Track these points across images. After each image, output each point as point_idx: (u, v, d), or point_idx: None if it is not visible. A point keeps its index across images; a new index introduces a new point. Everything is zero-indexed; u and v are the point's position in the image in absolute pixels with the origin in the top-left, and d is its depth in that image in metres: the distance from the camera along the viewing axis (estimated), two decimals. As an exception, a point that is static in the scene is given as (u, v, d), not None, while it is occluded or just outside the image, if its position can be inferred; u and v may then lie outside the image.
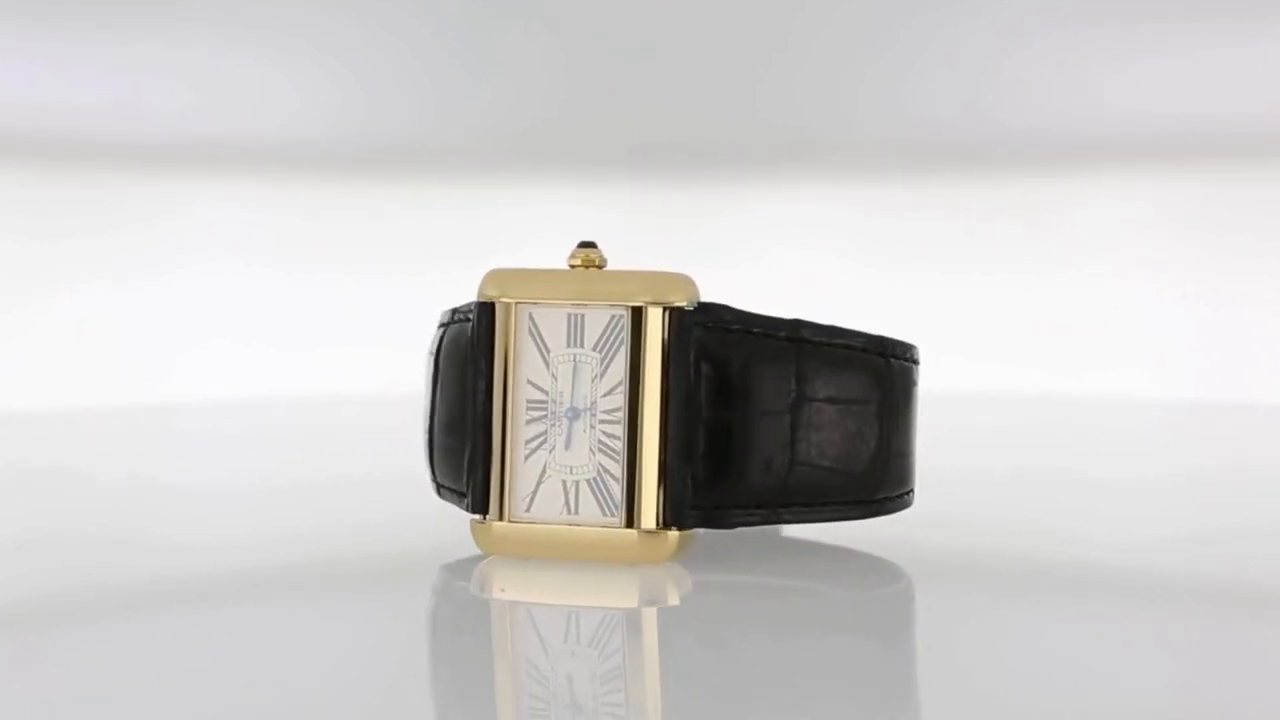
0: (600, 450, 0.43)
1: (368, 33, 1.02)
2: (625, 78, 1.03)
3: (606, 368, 0.43)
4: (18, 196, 0.98)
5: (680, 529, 0.43)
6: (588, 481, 0.43)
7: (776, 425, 0.44)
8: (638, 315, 0.43)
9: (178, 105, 1.00)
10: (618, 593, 0.43)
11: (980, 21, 1.01)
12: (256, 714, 0.35)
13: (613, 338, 0.44)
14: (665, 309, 0.43)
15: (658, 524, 0.43)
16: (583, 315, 0.44)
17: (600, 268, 0.44)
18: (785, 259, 1.03)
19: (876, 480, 0.45)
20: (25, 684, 0.36)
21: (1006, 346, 0.99)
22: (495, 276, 0.45)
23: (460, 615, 0.43)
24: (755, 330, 0.44)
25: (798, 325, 0.44)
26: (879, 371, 0.45)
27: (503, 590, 0.44)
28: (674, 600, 0.43)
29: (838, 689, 0.37)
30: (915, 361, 0.46)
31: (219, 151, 1.01)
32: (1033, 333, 1.00)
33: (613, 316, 0.43)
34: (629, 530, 0.43)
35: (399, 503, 0.56)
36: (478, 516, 0.45)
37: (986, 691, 0.37)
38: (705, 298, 0.44)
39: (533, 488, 0.44)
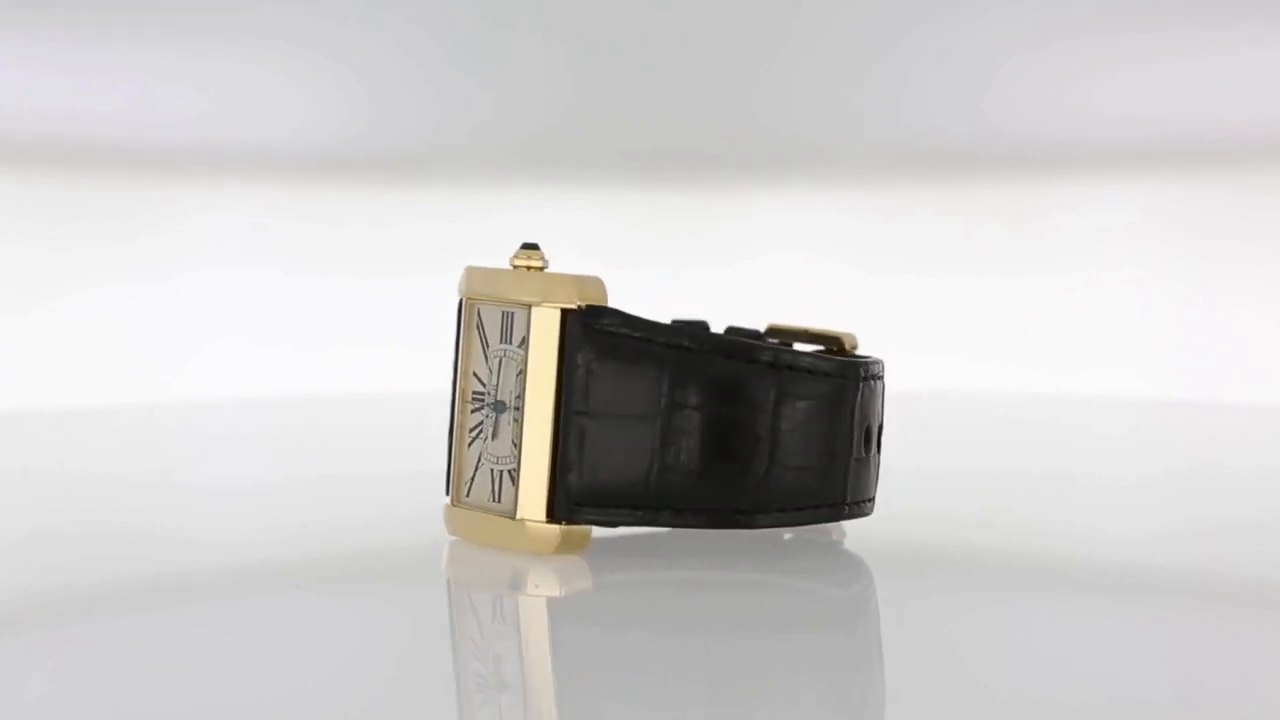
0: (516, 443, 0.45)
1: (375, 41, 1.02)
2: (627, 85, 1.04)
3: (526, 364, 0.45)
4: (33, 200, 0.99)
5: (566, 523, 0.45)
6: (508, 471, 0.46)
7: (648, 429, 0.45)
8: (539, 315, 0.45)
9: (189, 111, 1.01)
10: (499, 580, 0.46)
11: (975, 31, 1.01)
12: (263, 704, 0.36)
13: (528, 336, 0.46)
14: (560, 310, 0.45)
15: (545, 517, 0.45)
16: (512, 314, 0.46)
17: (542, 268, 0.46)
18: (784, 262, 1.03)
19: (754, 491, 0.46)
20: (40, 677, 0.38)
21: (1002, 348, 1.00)
22: (465, 273, 0.48)
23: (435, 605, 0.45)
24: (637, 335, 0.45)
25: (679, 332, 0.46)
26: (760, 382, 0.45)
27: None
28: (557, 591, 0.45)
29: (753, 680, 0.38)
30: (825, 374, 0.46)
31: (230, 156, 1.02)
32: (1028, 334, 1.01)
33: (529, 316, 0.45)
34: (523, 521, 0.45)
35: (404, 501, 0.57)
36: (447, 499, 0.48)
37: (950, 682, 0.38)
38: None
39: (471, 474, 0.47)
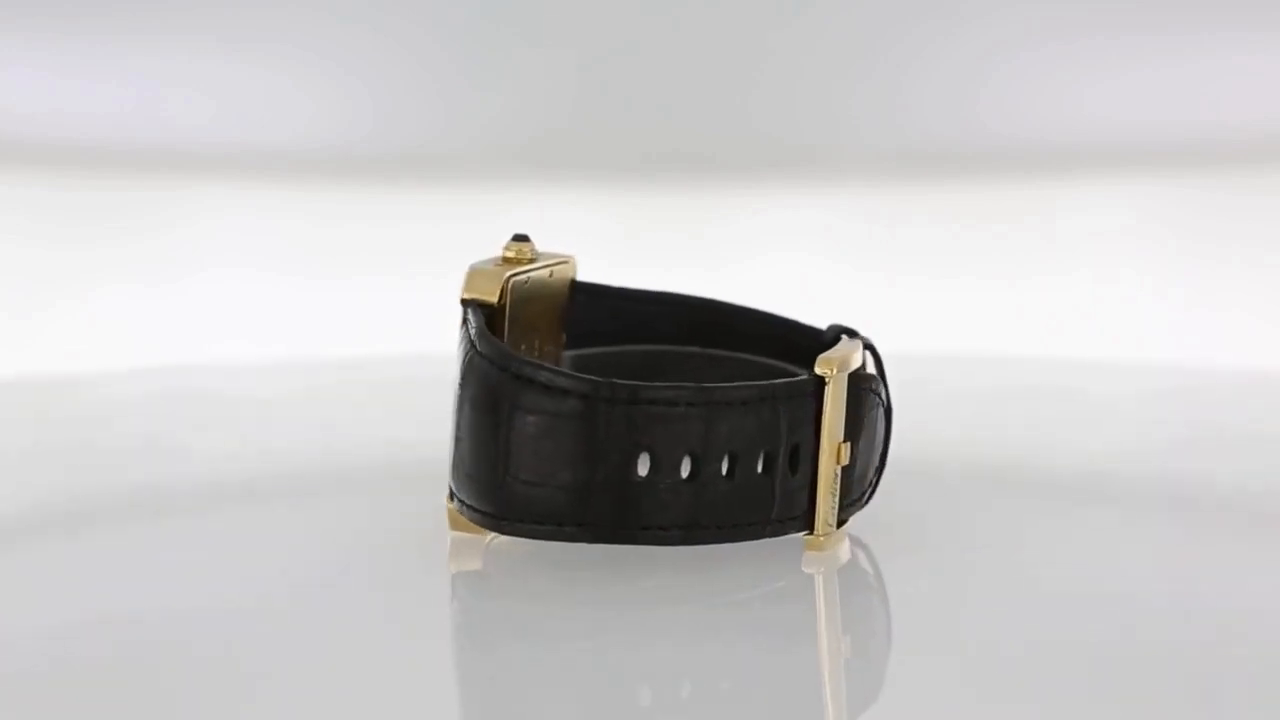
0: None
1: (379, 44, 1.03)
2: (628, 88, 1.04)
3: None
4: (35, 201, 0.99)
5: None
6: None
7: (491, 429, 0.45)
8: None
9: (193, 113, 1.01)
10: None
11: (971, 34, 1.02)
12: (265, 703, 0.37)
13: None
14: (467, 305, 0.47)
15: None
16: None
17: (532, 260, 0.48)
18: (784, 262, 1.04)
19: (503, 499, 0.45)
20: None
21: (1002, 348, 1.00)
22: None
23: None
24: (470, 331, 0.46)
25: (487, 338, 0.46)
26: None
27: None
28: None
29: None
30: (563, 391, 0.45)
31: (234, 158, 1.02)
32: (1028, 334, 1.01)
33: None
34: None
35: (404, 501, 0.57)
36: None
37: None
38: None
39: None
